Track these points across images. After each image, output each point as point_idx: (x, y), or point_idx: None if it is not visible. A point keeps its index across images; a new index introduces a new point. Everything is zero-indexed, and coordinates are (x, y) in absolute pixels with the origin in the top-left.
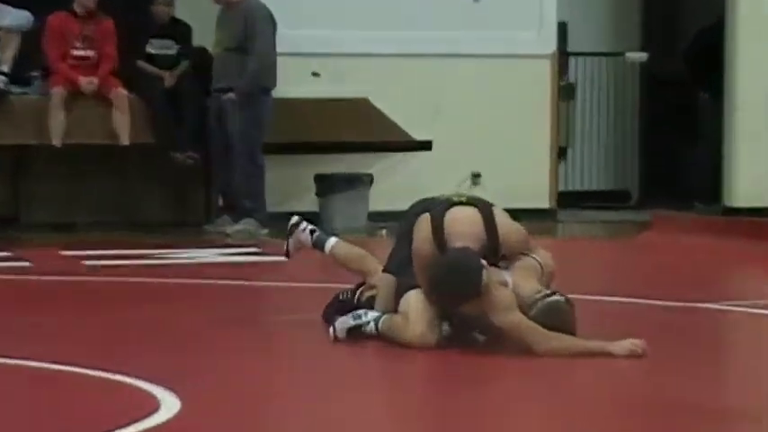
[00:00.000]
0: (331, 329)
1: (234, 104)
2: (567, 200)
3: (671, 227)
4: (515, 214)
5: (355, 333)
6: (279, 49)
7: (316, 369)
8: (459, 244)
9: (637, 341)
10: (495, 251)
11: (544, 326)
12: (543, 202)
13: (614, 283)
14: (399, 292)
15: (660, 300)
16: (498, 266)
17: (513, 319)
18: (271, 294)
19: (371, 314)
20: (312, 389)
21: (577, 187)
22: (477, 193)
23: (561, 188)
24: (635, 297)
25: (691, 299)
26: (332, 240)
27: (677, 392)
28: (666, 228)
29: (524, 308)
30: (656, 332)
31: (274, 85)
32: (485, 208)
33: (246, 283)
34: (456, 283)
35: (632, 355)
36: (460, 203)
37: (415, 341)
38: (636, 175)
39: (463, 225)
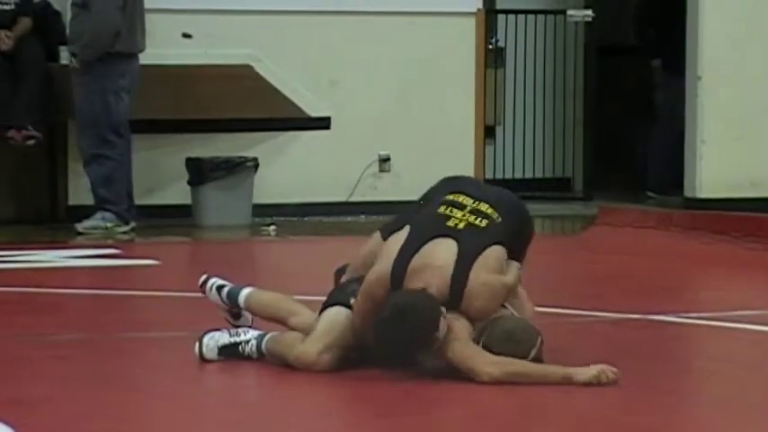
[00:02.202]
0: (197, 346)
1: (75, 73)
2: None
3: (620, 222)
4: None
5: (230, 352)
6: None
7: (176, 398)
8: (415, 286)
9: (607, 367)
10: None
11: (499, 354)
12: None
13: (551, 291)
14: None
15: (606, 311)
16: None
17: (455, 346)
18: (130, 307)
19: (253, 332)
20: (171, 425)
21: (508, 175)
22: (390, 180)
23: (488, 175)
24: (576, 308)
25: (643, 310)
26: (246, 290)
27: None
28: (615, 223)
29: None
30: (604, 351)
31: (127, 49)
32: (469, 248)
33: (100, 292)
34: (401, 331)
35: (602, 383)
36: (446, 233)
37: (304, 359)
38: (579, 161)
39: (431, 271)
